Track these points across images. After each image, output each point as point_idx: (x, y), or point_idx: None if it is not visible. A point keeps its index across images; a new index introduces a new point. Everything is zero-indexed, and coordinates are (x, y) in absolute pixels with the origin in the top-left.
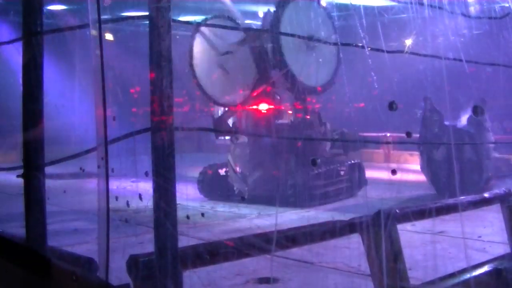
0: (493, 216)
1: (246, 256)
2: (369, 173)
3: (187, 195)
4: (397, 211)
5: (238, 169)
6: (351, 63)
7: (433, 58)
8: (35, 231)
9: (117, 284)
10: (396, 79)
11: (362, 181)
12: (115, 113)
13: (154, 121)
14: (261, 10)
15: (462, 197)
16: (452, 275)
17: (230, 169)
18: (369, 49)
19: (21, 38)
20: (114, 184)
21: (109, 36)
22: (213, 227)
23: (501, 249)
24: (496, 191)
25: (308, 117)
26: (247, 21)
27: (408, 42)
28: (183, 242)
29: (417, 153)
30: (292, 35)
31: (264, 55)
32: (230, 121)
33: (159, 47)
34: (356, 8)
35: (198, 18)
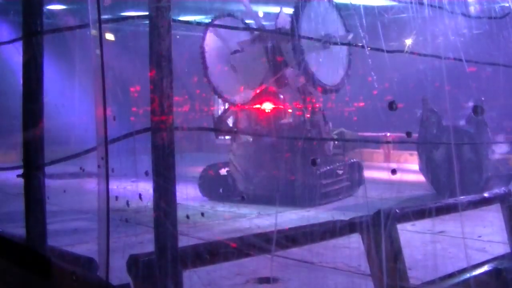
0: (493, 216)
1: (246, 256)
2: (369, 173)
3: (187, 194)
4: (397, 211)
5: (241, 168)
6: (351, 63)
7: (433, 58)
8: (35, 231)
9: (117, 283)
10: (396, 78)
11: (361, 181)
12: (115, 112)
13: (154, 121)
14: (261, 10)
15: (462, 197)
16: (452, 275)
17: (233, 169)
18: (369, 48)
19: (21, 38)
20: (114, 184)
21: (109, 36)
22: (213, 227)
23: (501, 249)
24: (496, 191)
25: (315, 116)
26: (248, 21)
27: (408, 42)
28: (183, 241)
29: (416, 152)
30: (308, 38)
31: (278, 54)
32: (230, 121)
33: (159, 47)
34: (356, 7)
35: (198, 18)
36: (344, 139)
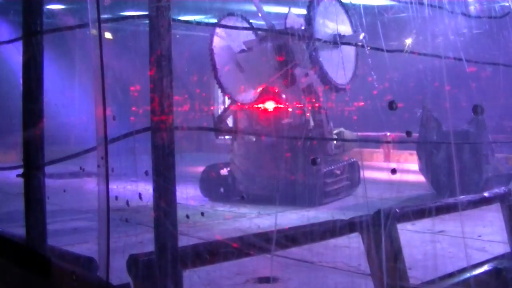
0: (493, 216)
1: (246, 255)
2: (369, 173)
3: (187, 194)
4: (397, 210)
5: (242, 168)
6: (358, 63)
7: (433, 57)
8: (35, 231)
9: (117, 283)
10: (396, 78)
11: (360, 180)
12: (115, 112)
13: (154, 120)
14: (269, 10)
15: (462, 197)
16: (452, 275)
17: (234, 168)
18: (369, 48)
19: (21, 38)
20: (114, 184)
21: (108, 36)
22: (213, 227)
23: (501, 249)
24: (496, 190)
25: (318, 115)
26: (252, 21)
27: (408, 41)
28: (183, 241)
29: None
30: (318, 39)
31: (287, 53)
32: (230, 120)
33: (159, 47)
34: (356, 7)
35: (198, 17)
36: (344, 139)
